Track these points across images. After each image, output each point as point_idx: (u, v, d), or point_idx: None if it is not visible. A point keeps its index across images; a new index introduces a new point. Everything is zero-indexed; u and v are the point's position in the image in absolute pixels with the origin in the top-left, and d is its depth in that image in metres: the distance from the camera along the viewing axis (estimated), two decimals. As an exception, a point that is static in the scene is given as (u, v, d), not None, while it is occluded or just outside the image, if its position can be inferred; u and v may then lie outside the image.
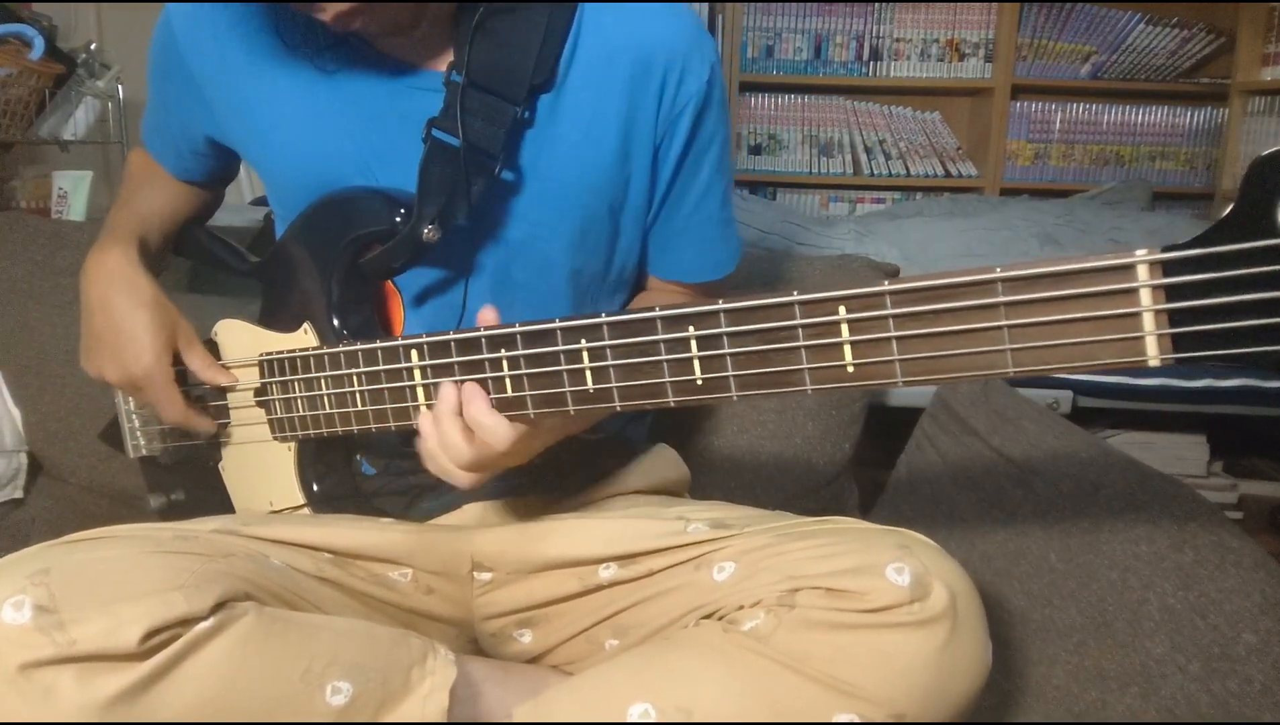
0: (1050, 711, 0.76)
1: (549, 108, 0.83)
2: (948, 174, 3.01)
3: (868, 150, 3.05)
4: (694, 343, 0.61)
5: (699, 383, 0.62)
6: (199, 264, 1.00)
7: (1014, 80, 2.91)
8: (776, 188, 3.09)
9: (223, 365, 0.90)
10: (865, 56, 2.99)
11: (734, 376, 0.60)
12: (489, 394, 0.70)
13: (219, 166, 1.00)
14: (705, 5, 2.84)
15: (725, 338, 0.60)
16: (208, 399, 0.92)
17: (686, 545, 0.76)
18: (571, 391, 0.67)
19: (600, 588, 0.79)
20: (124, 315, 0.86)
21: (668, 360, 0.62)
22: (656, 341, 0.62)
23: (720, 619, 0.70)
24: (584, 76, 0.83)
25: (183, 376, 0.93)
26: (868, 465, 1.33)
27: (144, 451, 1.00)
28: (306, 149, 0.85)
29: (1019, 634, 0.82)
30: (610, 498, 0.94)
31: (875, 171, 3.03)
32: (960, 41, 2.95)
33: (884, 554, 0.65)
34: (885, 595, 0.63)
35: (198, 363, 0.88)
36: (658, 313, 0.62)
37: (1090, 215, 2.36)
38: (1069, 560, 0.83)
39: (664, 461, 1.00)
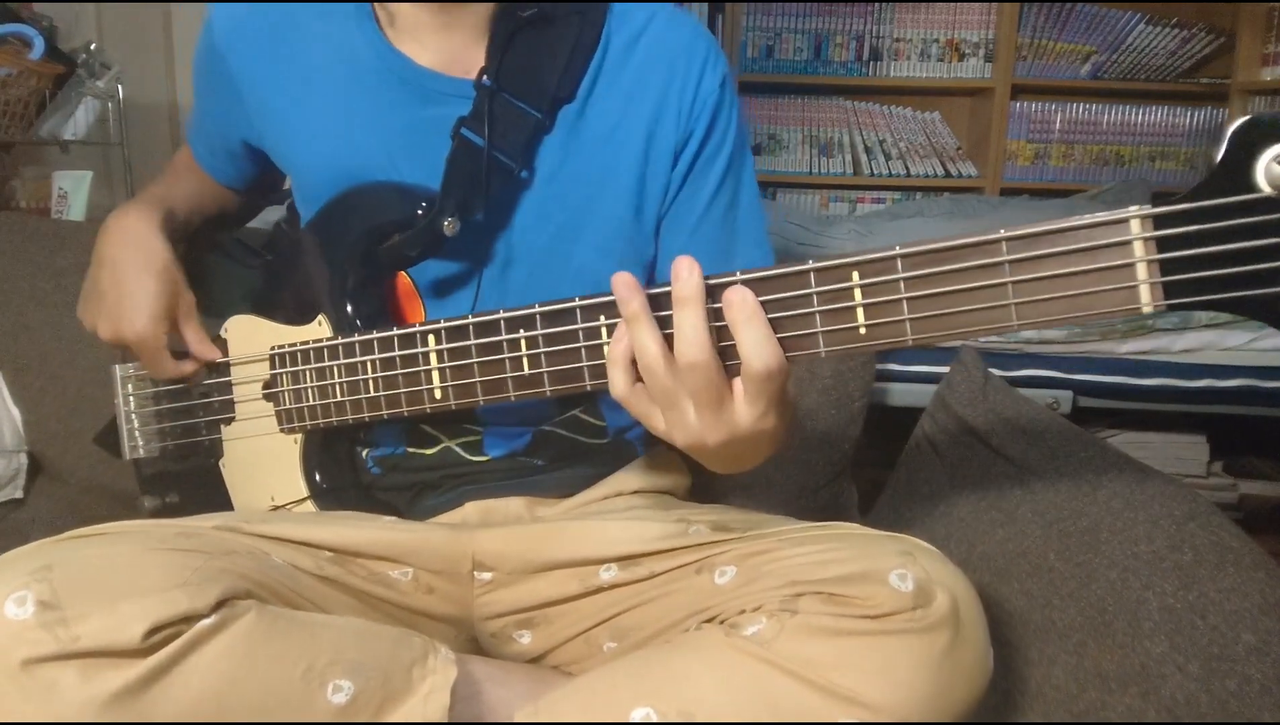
0: (1050, 711, 0.76)
1: (573, 117, 0.86)
2: (948, 174, 3.01)
3: (868, 150, 3.05)
4: (711, 314, 0.63)
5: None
6: (214, 258, 1.00)
7: (1014, 80, 2.92)
8: (776, 188, 3.09)
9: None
10: (865, 56, 2.99)
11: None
12: (507, 373, 0.72)
13: (256, 173, 1.02)
14: (705, 5, 2.84)
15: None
16: (215, 395, 0.93)
17: (687, 548, 0.77)
18: (589, 366, 0.69)
19: (601, 589, 0.80)
20: (129, 277, 0.88)
21: None
22: (672, 315, 0.64)
23: (722, 623, 0.70)
24: (608, 88, 0.86)
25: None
26: (867, 465, 1.33)
27: (141, 452, 1.00)
28: (338, 149, 0.87)
29: (1018, 634, 0.82)
30: (611, 498, 0.94)
31: (875, 171, 3.03)
32: (960, 41, 2.95)
33: (886, 560, 0.66)
34: (888, 601, 0.63)
35: (191, 336, 0.91)
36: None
37: (1090, 215, 2.36)
38: (1068, 560, 0.83)
39: (664, 463, 1.00)
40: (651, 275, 0.94)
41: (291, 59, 0.88)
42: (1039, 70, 2.96)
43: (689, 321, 0.62)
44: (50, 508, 1.27)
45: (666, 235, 0.91)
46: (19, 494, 1.30)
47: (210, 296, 0.95)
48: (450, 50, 0.85)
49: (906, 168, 3.03)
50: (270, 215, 1.06)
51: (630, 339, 0.65)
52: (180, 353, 0.92)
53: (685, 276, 0.62)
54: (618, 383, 0.66)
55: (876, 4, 2.96)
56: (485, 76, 0.83)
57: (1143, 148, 3.04)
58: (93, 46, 2.14)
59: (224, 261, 0.99)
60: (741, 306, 0.62)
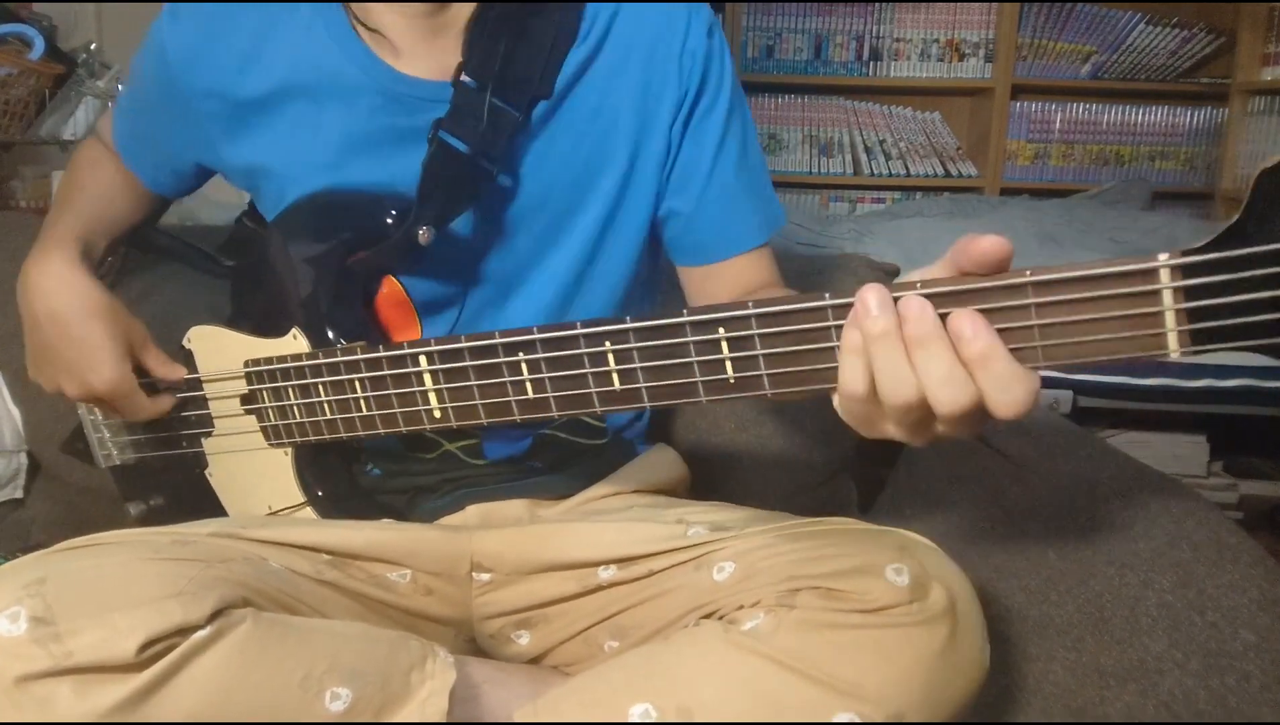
0: (1048, 708, 0.76)
1: (548, 115, 0.84)
2: (948, 174, 3.01)
3: (868, 150, 3.05)
4: (725, 345, 0.61)
5: (731, 382, 0.62)
6: (169, 264, 0.98)
7: (1014, 80, 2.92)
8: (776, 188, 3.09)
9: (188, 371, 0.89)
10: (865, 56, 2.99)
11: (767, 375, 0.61)
12: (510, 397, 0.70)
13: (195, 185, 0.98)
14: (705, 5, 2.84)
15: (758, 340, 0.60)
16: (189, 408, 0.91)
17: (686, 548, 0.76)
18: (598, 392, 0.66)
19: (599, 588, 0.79)
20: (77, 327, 0.83)
21: (699, 361, 0.62)
22: (686, 343, 0.62)
23: (720, 619, 0.70)
24: (589, 77, 0.84)
25: (153, 385, 0.91)
26: (866, 463, 1.33)
27: (115, 461, 0.98)
28: (321, 167, 0.84)
29: (1017, 631, 0.82)
30: (610, 498, 0.94)
31: (875, 171, 3.03)
32: (960, 41, 2.95)
33: (883, 555, 0.66)
34: (884, 596, 0.63)
35: (153, 363, 0.88)
36: (686, 318, 0.62)
37: (1090, 215, 2.36)
38: (1067, 557, 0.83)
39: (663, 461, 1.00)
40: (651, 249, 0.92)
41: (261, 78, 0.84)
42: (1039, 70, 2.96)
43: (943, 362, 0.52)
44: (49, 508, 1.27)
45: (677, 194, 0.88)
46: (19, 494, 1.30)
47: (167, 305, 0.92)
48: (435, 57, 0.82)
49: (906, 168, 3.03)
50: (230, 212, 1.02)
51: (876, 365, 0.54)
52: (146, 387, 0.88)
53: (918, 315, 0.52)
54: (857, 383, 0.55)
55: (876, 4, 2.96)
56: (465, 75, 0.80)
57: (1143, 148, 3.04)
58: (92, 46, 2.13)
59: (181, 268, 0.96)
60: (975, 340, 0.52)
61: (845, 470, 1.26)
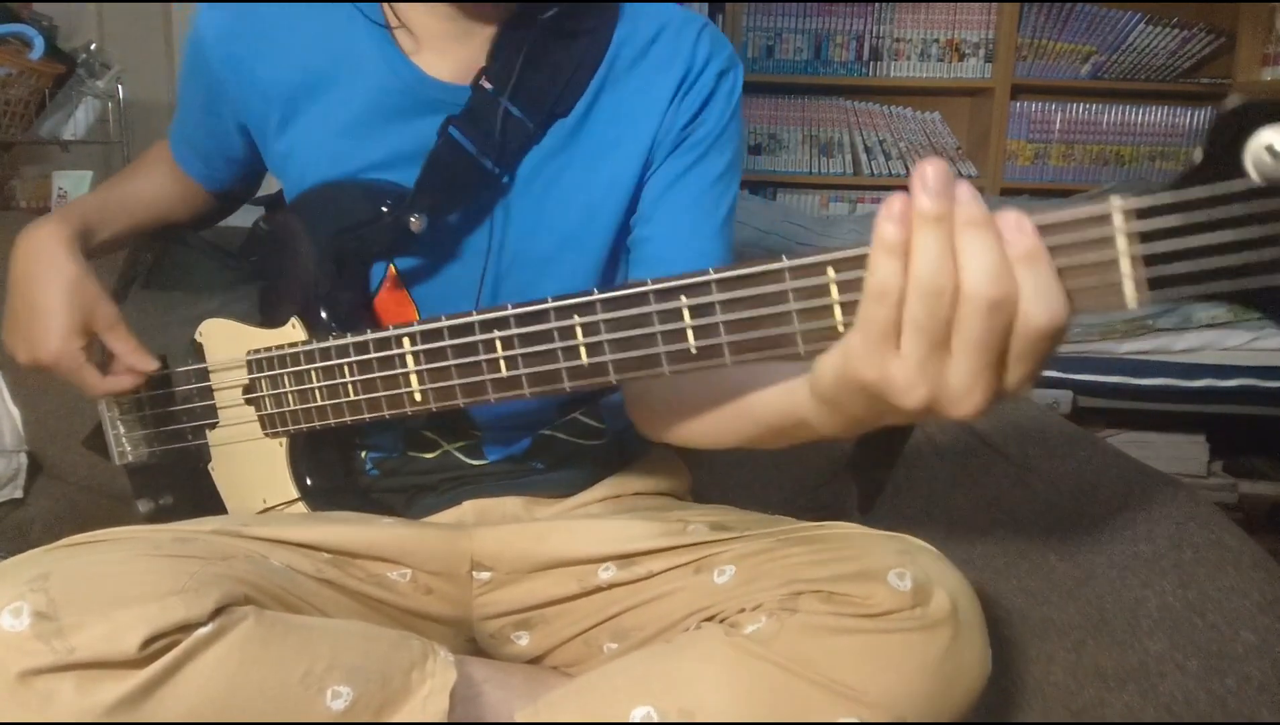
0: (1049, 710, 0.76)
1: (570, 130, 0.84)
2: (948, 174, 3.01)
3: (868, 150, 3.05)
4: (686, 312, 0.62)
5: (693, 351, 0.62)
6: (190, 260, 1.00)
7: (1014, 80, 2.91)
8: (776, 188, 3.09)
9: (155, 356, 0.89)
10: (865, 56, 2.99)
11: (728, 342, 0.61)
12: (485, 375, 0.70)
13: (246, 174, 0.99)
14: (705, 5, 2.84)
15: (718, 306, 0.60)
16: (195, 401, 0.92)
17: (686, 547, 0.77)
18: (566, 367, 0.68)
19: (599, 589, 0.80)
20: (38, 294, 0.85)
21: (661, 331, 0.63)
22: (649, 313, 0.63)
23: (722, 622, 0.70)
24: (611, 101, 0.85)
25: (167, 378, 0.92)
26: (866, 464, 1.33)
27: (130, 457, 0.99)
28: (340, 161, 0.85)
29: (1018, 632, 0.82)
30: (611, 499, 0.94)
31: (875, 171, 3.03)
32: (960, 41, 2.95)
33: (885, 560, 0.66)
34: (886, 600, 0.64)
35: (119, 346, 0.87)
36: (650, 287, 0.63)
37: (1090, 215, 2.36)
38: (1068, 559, 0.83)
39: (664, 463, 1.00)
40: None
41: (291, 64, 0.85)
42: (1039, 70, 2.96)
43: (990, 246, 0.48)
44: (50, 507, 1.27)
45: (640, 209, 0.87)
46: (19, 494, 1.30)
47: (186, 300, 0.94)
48: (462, 60, 0.83)
49: (906, 168, 3.03)
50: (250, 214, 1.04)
51: (919, 256, 0.49)
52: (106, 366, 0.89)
53: (970, 198, 0.49)
54: (893, 277, 0.50)
55: (876, 4, 2.95)
56: (485, 80, 0.81)
57: (1143, 148, 3.03)
58: (93, 46, 2.14)
59: (200, 264, 0.97)
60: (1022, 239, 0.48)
61: (845, 472, 1.26)
